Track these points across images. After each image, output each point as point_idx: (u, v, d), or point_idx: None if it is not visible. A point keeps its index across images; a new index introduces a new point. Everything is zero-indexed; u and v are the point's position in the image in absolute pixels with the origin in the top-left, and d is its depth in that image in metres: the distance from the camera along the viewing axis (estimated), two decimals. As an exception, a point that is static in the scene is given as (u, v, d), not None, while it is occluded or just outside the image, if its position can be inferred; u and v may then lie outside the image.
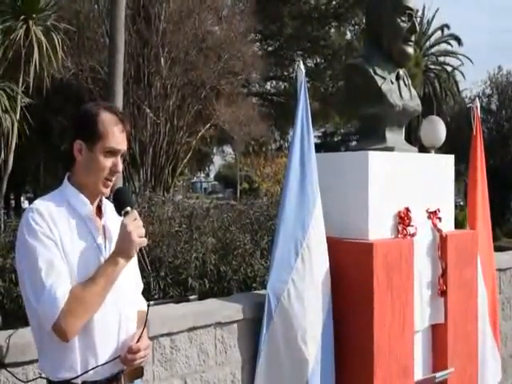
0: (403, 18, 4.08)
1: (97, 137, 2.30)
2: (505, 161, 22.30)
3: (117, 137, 2.33)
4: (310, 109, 3.78)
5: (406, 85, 4.27)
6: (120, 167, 2.36)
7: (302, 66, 3.82)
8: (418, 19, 4.27)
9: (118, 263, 2.22)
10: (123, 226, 2.24)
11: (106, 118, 2.32)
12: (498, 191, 18.85)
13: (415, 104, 4.29)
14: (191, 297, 5.80)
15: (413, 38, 4.17)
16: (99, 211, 2.41)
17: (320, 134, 33.04)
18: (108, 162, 2.32)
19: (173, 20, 17.04)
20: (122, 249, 2.24)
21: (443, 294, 4.13)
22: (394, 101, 4.09)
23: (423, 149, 12.93)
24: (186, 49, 17.35)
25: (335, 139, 34.00)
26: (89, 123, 2.31)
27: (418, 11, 4.22)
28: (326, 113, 24.33)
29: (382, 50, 4.16)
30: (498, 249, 5.64)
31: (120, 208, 2.32)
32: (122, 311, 2.34)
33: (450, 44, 36.40)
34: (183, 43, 17.16)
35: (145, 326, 2.36)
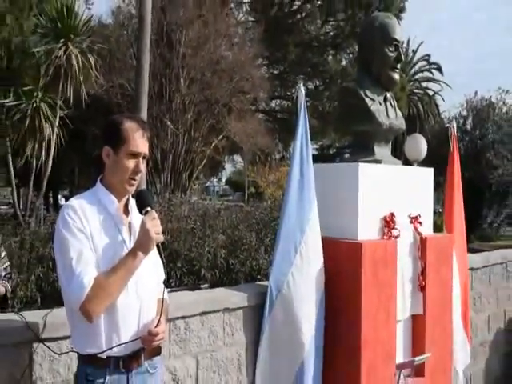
0: (391, 49, 4.07)
1: (121, 142, 2.32)
2: (478, 174, 22.19)
3: (138, 141, 2.34)
4: (308, 125, 3.78)
5: (392, 106, 4.24)
6: (142, 167, 2.37)
7: (302, 89, 3.81)
8: (404, 49, 4.27)
9: (136, 256, 2.22)
10: (143, 224, 2.25)
11: (129, 126, 2.34)
12: (472, 200, 18.76)
13: (400, 123, 4.27)
14: (203, 285, 5.78)
15: (399, 66, 4.15)
16: (126, 209, 2.42)
17: (318, 147, 32.86)
18: (131, 164, 2.34)
19: (191, 45, 17.09)
20: (141, 243, 2.23)
21: (422, 289, 4.10)
22: (381, 120, 4.07)
23: (407, 162, 12.87)
24: (203, 70, 17.40)
25: (331, 152, 33.87)
26: (115, 130, 2.34)
27: (403, 43, 4.20)
28: (323, 129, 24.28)
29: (372, 76, 4.14)
30: (470, 251, 5.61)
31: (141, 207, 2.33)
32: (142, 298, 2.34)
33: (431, 72, 36.38)
34: (200, 65, 17.21)
35: (161, 312, 2.36)
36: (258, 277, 6.95)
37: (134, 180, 2.36)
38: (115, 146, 2.32)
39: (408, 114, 29.49)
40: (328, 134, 26.70)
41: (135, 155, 2.34)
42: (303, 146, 3.76)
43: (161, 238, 2.27)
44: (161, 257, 2.32)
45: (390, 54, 4.06)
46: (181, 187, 17.64)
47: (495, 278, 6.06)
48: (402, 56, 4.15)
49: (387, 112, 4.16)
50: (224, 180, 64.26)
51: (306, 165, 3.72)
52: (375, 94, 4.11)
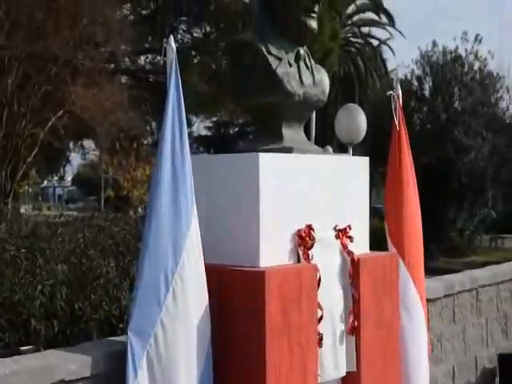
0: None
1: None
2: (441, 160, 22.89)
3: None
4: (182, 95, 3.81)
5: (308, 67, 4.33)
6: None
7: (172, 41, 3.82)
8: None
9: None
10: None
11: None
12: (433, 198, 19.43)
13: (319, 91, 4.37)
14: (24, 348, 5.64)
15: (316, 8, 4.22)
16: None
17: (211, 125, 33.01)
18: None
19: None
20: None
21: (354, 332, 4.23)
22: (292, 88, 4.14)
23: (342, 147, 13.20)
24: (30, 9, 17.03)
25: (231, 131, 34.09)
26: None
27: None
28: (218, 98, 24.43)
29: (277, 23, 4.20)
30: (431, 272, 5.79)
31: None
32: None
33: (377, 13, 37.33)
34: (26, 1, 16.84)
35: None
36: (121, 325, 6.89)
37: None
38: None
39: (342, 73, 30.27)
40: (225, 106, 26.93)
41: None
42: (175, 128, 3.78)
43: None
44: None
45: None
46: (-1, 191, 17.25)
47: (462, 312, 6.34)
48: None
49: (300, 76, 4.25)
50: (70, 178, 63.24)
51: (181, 157, 3.74)
52: (282, 50, 4.19)
